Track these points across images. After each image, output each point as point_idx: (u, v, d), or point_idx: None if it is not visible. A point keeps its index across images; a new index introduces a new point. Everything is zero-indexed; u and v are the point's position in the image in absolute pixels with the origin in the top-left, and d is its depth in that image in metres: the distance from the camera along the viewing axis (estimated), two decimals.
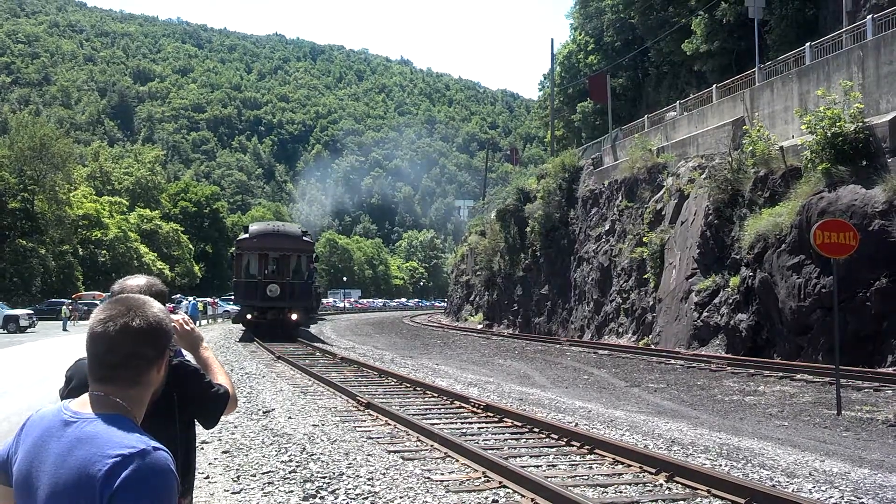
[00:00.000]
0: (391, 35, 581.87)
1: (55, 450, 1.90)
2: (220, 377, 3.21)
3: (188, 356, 3.25)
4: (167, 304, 2.64)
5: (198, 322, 47.85)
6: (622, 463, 9.22)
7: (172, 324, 2.25)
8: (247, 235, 36.13)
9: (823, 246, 14.30)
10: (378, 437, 11.14)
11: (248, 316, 34.66)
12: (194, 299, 52.97)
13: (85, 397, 2.02)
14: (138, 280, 3.09)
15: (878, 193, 19.90)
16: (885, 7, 26.88)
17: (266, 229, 37.23)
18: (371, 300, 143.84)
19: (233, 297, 52.15)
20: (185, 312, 46.95)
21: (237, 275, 35.80)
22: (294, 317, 34.41)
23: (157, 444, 1.88)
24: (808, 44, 27.47)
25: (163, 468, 1.85)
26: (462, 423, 12.49)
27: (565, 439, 10.61)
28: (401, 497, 7.80)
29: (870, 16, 24.89)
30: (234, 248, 38.25)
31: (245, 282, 34.65)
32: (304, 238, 36.48)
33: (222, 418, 3.25)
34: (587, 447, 10.06)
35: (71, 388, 2.87)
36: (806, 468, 9.19)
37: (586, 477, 8.78)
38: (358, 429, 11.85)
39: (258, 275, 34.54)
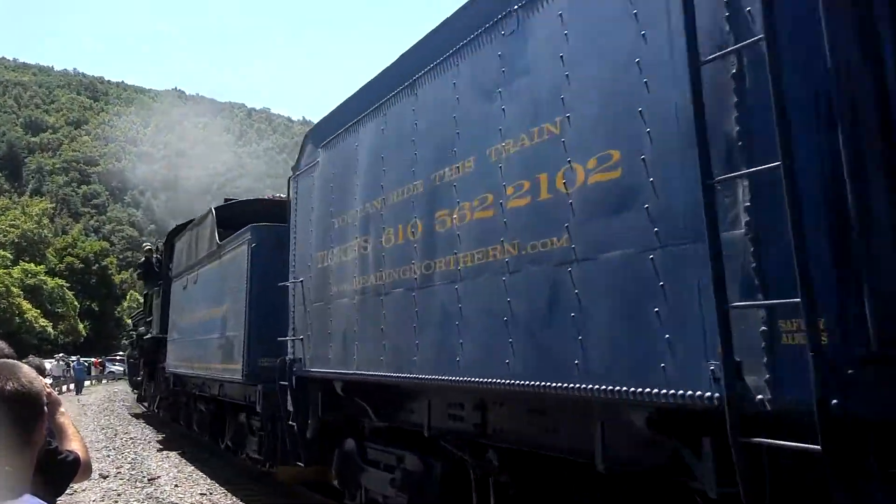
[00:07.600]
0: (293, 95, 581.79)
1: None
2: (73, 443, 3.10)
3: None
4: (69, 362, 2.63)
5: (83, 385, 45.84)
6: None
7: None
8: None
9: None
10: None
11: None
12: (79, 359, 50.79)
13: None
14: None
15: None
16: None
17: None
18: None
19: (126, 358, 36.62)
20: (70, 374, 45.07)
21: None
22: None
23: None
24: None
25: None
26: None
27: None
28: None
29: None
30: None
31: None
32: None
33: (88, 485, 3.19)
34: None
35: None
36: None
37: None
38: (248, 498, 11.60)
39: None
